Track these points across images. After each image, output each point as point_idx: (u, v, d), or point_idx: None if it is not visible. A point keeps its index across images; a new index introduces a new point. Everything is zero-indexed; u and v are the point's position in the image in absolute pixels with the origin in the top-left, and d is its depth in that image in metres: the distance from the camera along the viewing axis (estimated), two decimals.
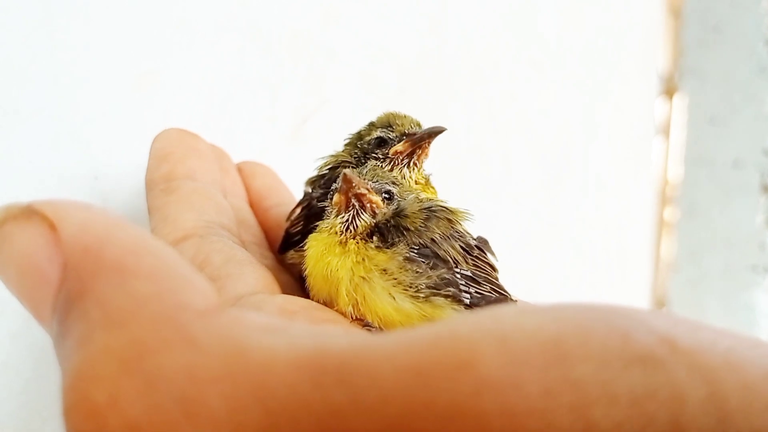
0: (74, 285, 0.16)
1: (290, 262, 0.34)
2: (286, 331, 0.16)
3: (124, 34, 0.38)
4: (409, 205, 0.30)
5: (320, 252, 0.29)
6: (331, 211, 0.31)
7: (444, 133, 0.33)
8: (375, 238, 0.29)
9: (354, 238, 0.29)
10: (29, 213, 0.17)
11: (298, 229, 0.33)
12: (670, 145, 1.01)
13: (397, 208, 0.30)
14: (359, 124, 0.37)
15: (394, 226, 0.29)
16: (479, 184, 0.65)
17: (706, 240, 0.99)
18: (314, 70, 0.49)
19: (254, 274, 0.28)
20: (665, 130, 1.00)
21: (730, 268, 0.96)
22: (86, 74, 0.37)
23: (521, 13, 0.69)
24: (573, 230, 0.79)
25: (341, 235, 0.29)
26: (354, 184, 0.29)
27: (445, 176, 0.36)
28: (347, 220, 0.30)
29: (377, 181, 0.31)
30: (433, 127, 0.34)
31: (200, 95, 0.43)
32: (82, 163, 0.37)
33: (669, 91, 1.00)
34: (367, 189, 0.30)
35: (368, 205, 0.30)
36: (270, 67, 0.46)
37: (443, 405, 0.13)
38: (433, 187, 0.35)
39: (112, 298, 0.16)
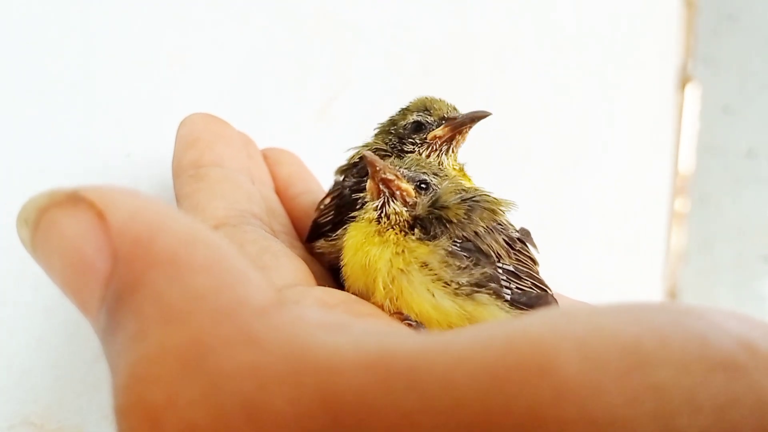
0: (125, 277, 0.15)
1: (319, 251, 0.33)
2: (348, 329, 0.15)
3: (154, 13, 0.38)
4: (445, 194, 0.29)
5: (359, 242, 0.28)
6: (365, 200, 0.30)
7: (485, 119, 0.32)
8: (416, 230, 0.28)
9: (392, 228, 0.28)
10: (75, 199, 0.16)
11: (329, 218, 0.32)
12: (683, 135, 1.00)
13: (433, 198, 0.29)
14: (383, 106, 0.36)
15: (436, 218, 0.28)
16: (497, 168, 0.64)
17: (717, 230, 0.99)
18: (341, 50, 0.49)
19: (290, 266, 0.27)
20: (678, 120, 1.00)
21: (742, 258, 0.96)
22: (117, 51, 0.37)
23: None
24: (587, 218, 0.79)
25: (378, 224, 0.29)
26: (378, 168, 0.29)
27: (463, 158, 0.35)
28: (379, 207, 0.29)
29: (415, 170, 0.30)
30: (475, 112, 0.33)
31: (229, 74, 0.42)
32: (113, 141, 0.36)
33: (682, 81, 0.99)
34: (396, 175, 0.29)
35: (397, 192, 0.29)
36: (298, 46, 0.46)
37: (521, 411, 0.12)
38: (467, 176, 0.34)
39: (167, 292, 0.15)
